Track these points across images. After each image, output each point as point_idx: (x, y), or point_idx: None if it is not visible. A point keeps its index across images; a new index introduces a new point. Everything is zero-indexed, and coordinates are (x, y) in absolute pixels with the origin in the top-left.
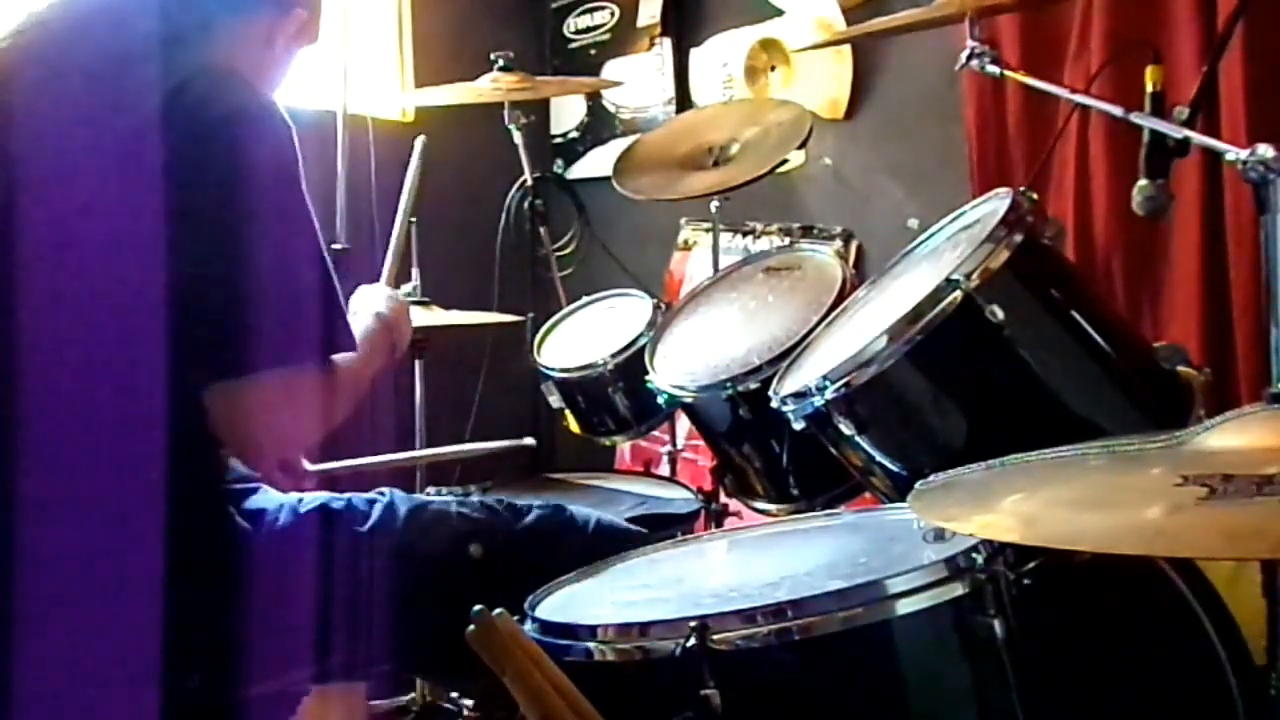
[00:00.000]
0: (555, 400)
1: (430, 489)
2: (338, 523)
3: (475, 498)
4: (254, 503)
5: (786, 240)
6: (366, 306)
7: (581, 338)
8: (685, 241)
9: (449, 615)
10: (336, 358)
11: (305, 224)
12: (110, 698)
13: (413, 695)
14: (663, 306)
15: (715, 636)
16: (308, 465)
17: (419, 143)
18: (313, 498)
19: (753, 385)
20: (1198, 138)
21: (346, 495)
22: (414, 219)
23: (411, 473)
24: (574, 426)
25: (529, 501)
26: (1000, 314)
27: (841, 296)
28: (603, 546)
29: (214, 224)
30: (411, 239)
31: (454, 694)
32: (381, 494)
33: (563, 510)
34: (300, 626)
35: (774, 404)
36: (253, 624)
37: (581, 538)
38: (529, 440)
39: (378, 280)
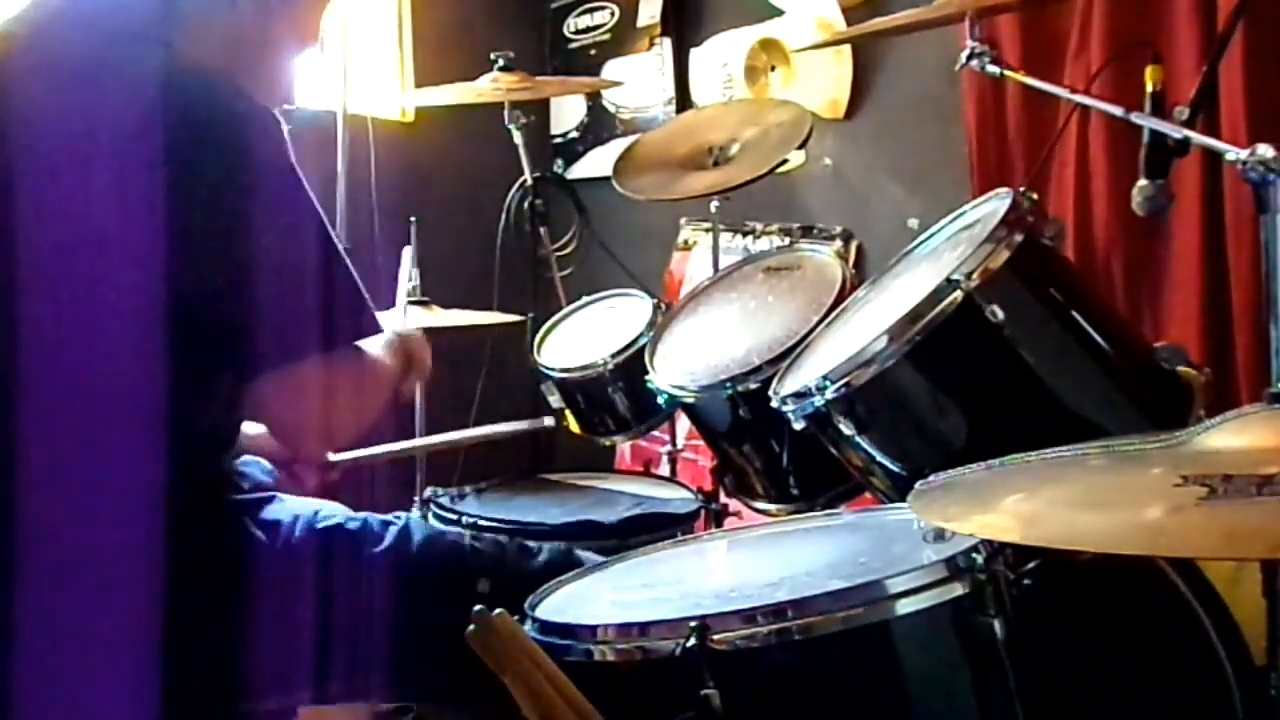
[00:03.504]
0: (555, 400)
1: (430, 490)
2: (352, 542)
3: (488, 534)
4: (270, 513)
5: (786, 240)
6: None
7: (581, 338)
8: (685, 241)
9: (449, 647)
10: (366, 343)
11: (309, 211)
12: (109, 703)
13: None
14: (663, 306)
15: (715, 636)
16: (331, 456)
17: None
18: (329, 514)
19: (753, 385)
20: (1198, 138)
21: (363, 515)
22: (414, 219)
23: (412, 474)
24: (574, 426)
25: (530, 509)
26: (1000, 314)
27: (841, 296)
28: None
29: (219, 225)
30: (411, 239)
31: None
32: (398, 517)
33: (571, 554)
34: (304, 641)
35: (774, 404)
36: (258, 635)
37: None
38: (548, 420)
39: (375, 280)
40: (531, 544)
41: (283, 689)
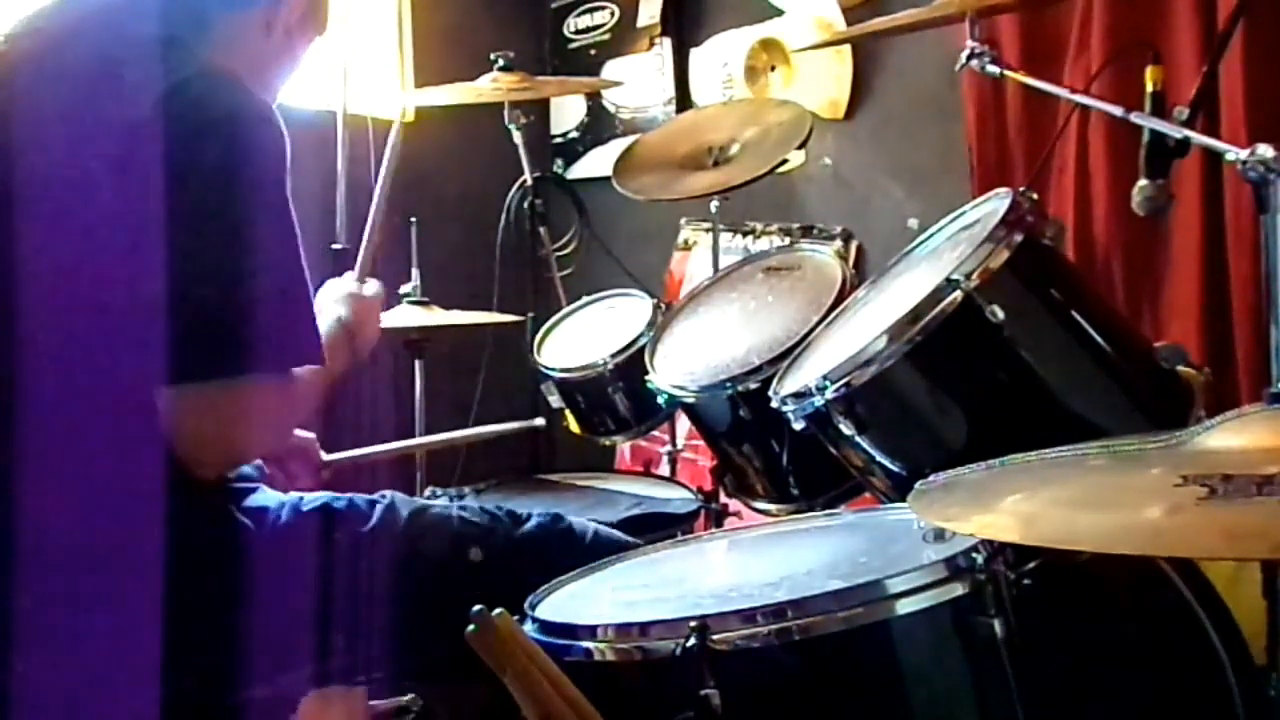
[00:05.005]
0: (555, 400)
1: (429, 490)
2: (339, 522)
3: (475, 503)
4: (255, 500)
5: (786, 240)
6: (328, 308)
7: (581, 338)
8: (685, 241)
9: (446, 618)
10: (299, 370)
11: (287, 233)
12: (108, 696)
13: (413, 695)
14: (663, 306)
15: (715, 636)
16: (324, 456)
17: (396, 128)
18: (314, 497)
19: (753, 385)
20: (1198, 138)
21: (348, 496)
22: (414, 219)
23: (412, 475)
24: (574, 426)
25: (529, 509)
26: (1000, 314)
27: (841, 296)
28: (600, 555)
29: (200, 226)
30: (411, 239)
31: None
32: (383, 496)
33: (561, 519)
34: (299, 625)
35: (774, 404)
36: (252, 622)
37: (579, 546)
38: (539, 420)
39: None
40: (520, 511)
41: (283, 671)
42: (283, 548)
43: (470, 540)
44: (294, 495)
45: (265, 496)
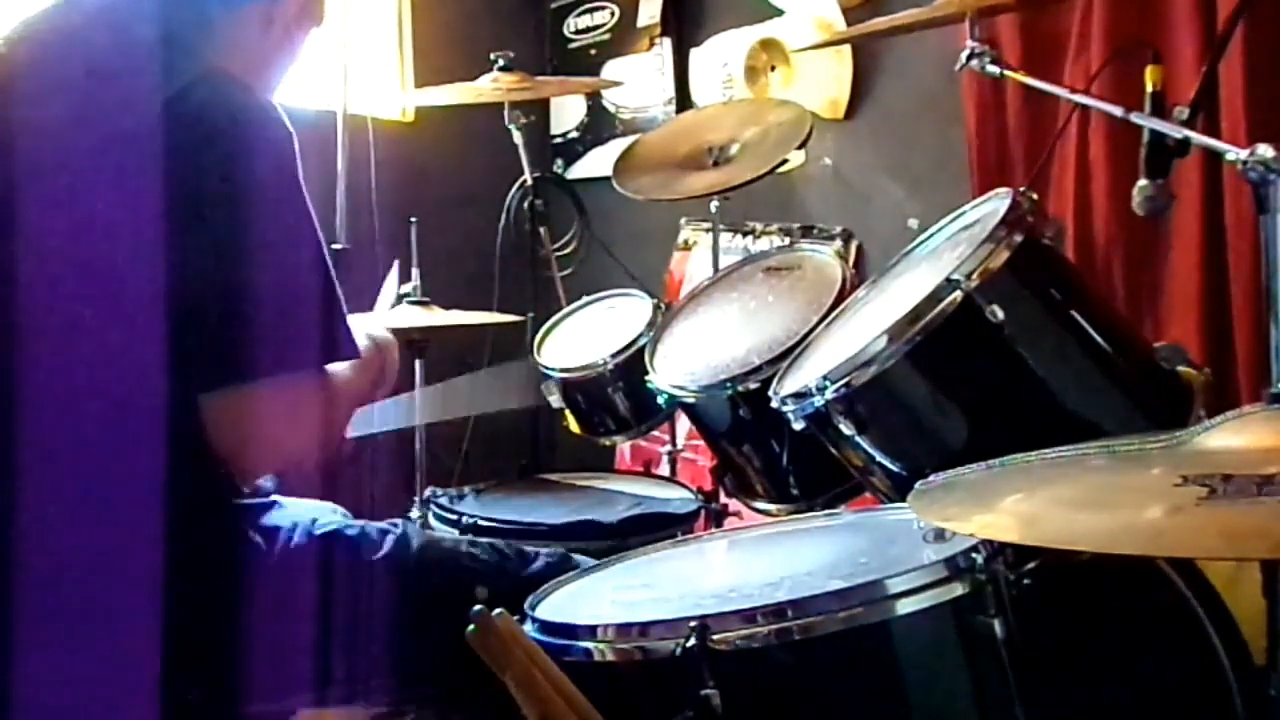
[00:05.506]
0: (555, 400)
1: (429, 490)
2: (350, 549)
3: (485, 540)
4: (269, 519)
5: (786, 240)
6: (359, 327)
7: (581, 338)
8: (685, 241)
9: (450, 652)
10: (335, 366)
11: (307, 229)
12: (111, 709)
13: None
14: (663, 306)
15: (715, 636)
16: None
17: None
18: (327, 521)
19: (753, 385)
20: (1198, 138)
21: (360, 522)
22: (414, 219)
23: (412, 475)
24: (574, 426)
25: (529, 509)
26: (1000, 314)
27: (841, 296)
28: None
29: (214, 231)
30: (411, 239)
31: None
32: (395, 525)
33: (569, 559)
34: (304, 648)
35: (774, 404)
36: (257, 640)
37: None
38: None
39: (374, 280)
40: (529, 549)
41: (281, 693)
42: (291, 570)
43: (478, 578)
44: (307, 518)
45: (279, 515)
